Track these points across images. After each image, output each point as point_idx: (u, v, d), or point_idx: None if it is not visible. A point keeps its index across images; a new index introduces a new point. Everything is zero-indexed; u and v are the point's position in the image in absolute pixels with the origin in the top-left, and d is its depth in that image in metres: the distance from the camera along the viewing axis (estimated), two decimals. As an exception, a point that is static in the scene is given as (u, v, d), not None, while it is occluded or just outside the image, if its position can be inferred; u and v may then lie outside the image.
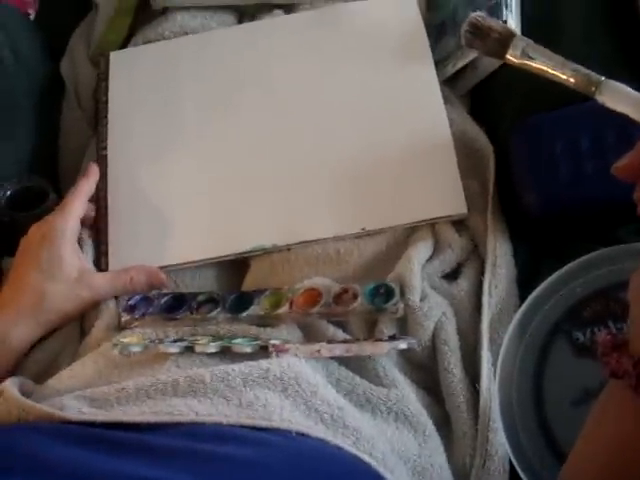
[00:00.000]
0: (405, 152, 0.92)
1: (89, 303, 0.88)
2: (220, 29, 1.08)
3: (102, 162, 0.99)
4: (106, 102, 1.04)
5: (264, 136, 0.97)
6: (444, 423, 0.80)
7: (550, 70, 0.64)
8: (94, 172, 0.96)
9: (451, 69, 0.96)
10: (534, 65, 0.64)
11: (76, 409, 0.71)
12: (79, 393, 0.74)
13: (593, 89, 0.61)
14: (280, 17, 1.07)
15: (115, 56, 1.08)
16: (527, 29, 0.94)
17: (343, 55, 1.01)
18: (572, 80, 0.62)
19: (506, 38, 0.67)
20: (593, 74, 0.62)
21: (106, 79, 1.06)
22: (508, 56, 0.65)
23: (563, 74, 0.63)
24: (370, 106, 0.96)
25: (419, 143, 0.92)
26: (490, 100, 0.97)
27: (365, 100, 0.97)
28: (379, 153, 0.93)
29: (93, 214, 0.95)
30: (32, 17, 1.28)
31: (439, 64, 0.97)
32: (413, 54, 0.98)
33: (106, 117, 1.03)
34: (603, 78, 0.61)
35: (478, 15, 0.71)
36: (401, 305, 0.82)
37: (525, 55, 0.65)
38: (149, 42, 1.09)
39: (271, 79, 1.01)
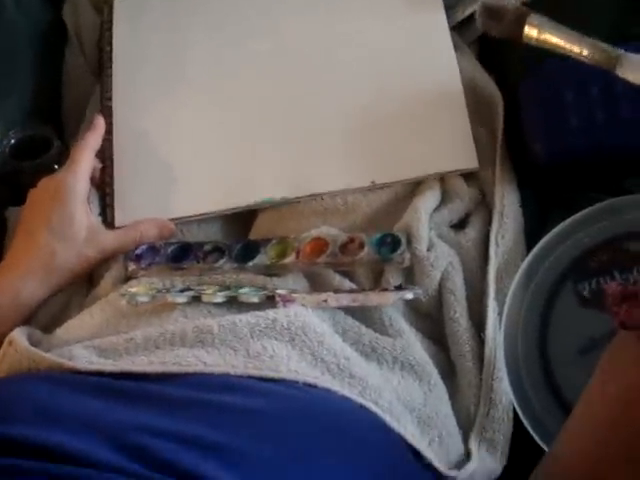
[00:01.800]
0: (415, 103, 0.91)
1: (98, 262, 0.88)
2: None
3: (107, 113, 0.97)
4: (110, 51, 1.02)
5: (273, 87, 0.96)
6: (449, 372, 0.81)
7: (568, 46, 0.63)
8: (100, 125, 0.95)
9: (460, 15, 0.94)
10: (551, 42, 0.63)
11: (85, 359, 0.71)
12: (88, 343, 0.75)
13: (613, 63, 0.60)
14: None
15: (119, 4, 1.06)
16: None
17: (353, 4, 0.99)
18: (590, 55, 0.61)
19: (521, 18, 0.66)
20: (612, 49, 0.61)
21: (110, 28, 1.04)
22: (525, 35, 0.64)
23: (581, 50, 0.62)
24: (380, 56, 0.95)
25: (430, 93, 0.90)
26: (499, 47, 0.95)
27: (375, 49, 0.95)
28: (389, 104, 0.92)
29: (100, 167, 0.94)
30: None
31: (448, 10, 0.96)
32: (423, 1, 0.96)
33: (110, 67, 1.01)
34: (622, 51, 0.60)
35: None
36: (407, 255, 0.81)
37: (542, 33, 0.64)
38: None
39: (280, 27, 0.99)
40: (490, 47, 0.98)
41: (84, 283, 0.90)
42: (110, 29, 1.04)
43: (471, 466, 0.73)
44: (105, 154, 0.95)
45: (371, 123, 0.91)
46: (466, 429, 0.78)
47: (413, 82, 0.92)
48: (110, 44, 1.03)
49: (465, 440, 0.77)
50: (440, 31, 0.94)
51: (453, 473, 0.71)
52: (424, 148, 0.89)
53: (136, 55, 1.02)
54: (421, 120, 0.90)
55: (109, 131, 0.96)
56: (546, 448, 0.74)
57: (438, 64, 0.93)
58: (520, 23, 0.67)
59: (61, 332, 0.81)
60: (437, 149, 0.89)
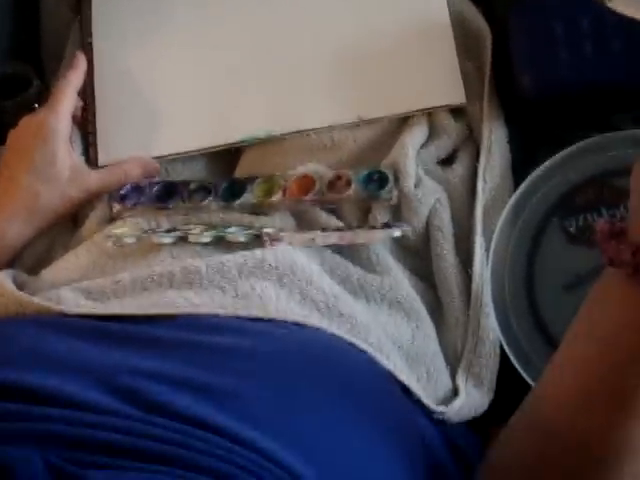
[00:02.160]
0: (402, 37, 0.89)
1: (82, 202, 0.87)
2: None
3: (87, 50, 0.95)
4: None
5: (257, 23, 0.94)
6: (437, 309, 0.81)
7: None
8: (82, 63, 0.93)
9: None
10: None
11: (73, 302, 0.71)
12: (75, 285, 0.74)
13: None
14: None
15: None
16: None
17: None
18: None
19: None
20: None
21: None
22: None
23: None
24: None
25: (416, 26, 0.89)
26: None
27: None
28: (375, 39, 0.90)
29: (81, 105, 0.93)
30: None
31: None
32: None
33: (90, 2, 0.98)
34: (614, -18, 0.59)
35: None
36: (395, 192, 0.81)
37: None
38: None
39: None
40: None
41: (68, 223, 0.89)
42: None
43: (458, 401, 0.74)
44: (87, 92, 0.93)
45: (357, 58, 0.90)
46: (453, 365, 0.78)
47: (400, 16, 0.91)
48: None
49: (452, 376, 0.78)
50: None
51: (441, 408, 0.72)
52: (411, 83, 0.88)
53: None
54: (408, 55, 0.89)
55: (90, 69, 0.94)
56: (532, 383, 0.75)
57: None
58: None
59: (47, 274, 0.81)
60: (424, 84, 0.88)
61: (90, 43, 0.96)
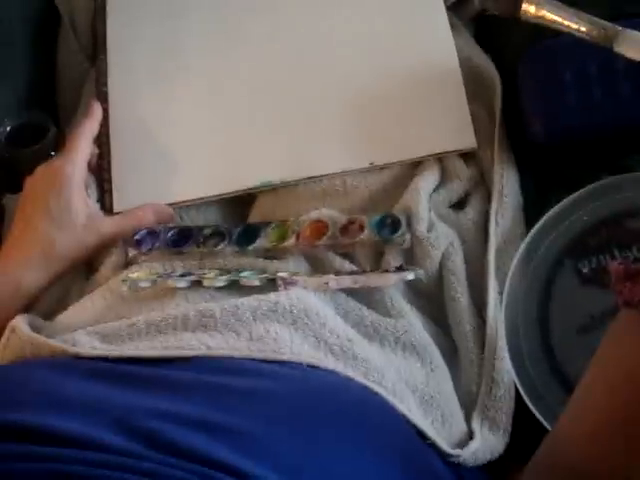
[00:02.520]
0: (413, 83, 0.91)
1: (98, 248, 0.88)
2: None
3: (102, 98, 0.97)
4: (104, 36, 1.01)
5: (269, 69, 0.95)
6: (451, 352, 0.81)
7: (565, 23, 0.63)
8: (97, 111, 0.94)
9: (456, -6, 0.94)
10: (549, 18, 0.63)
11: (88, 344, 0.71)
12: (90, 329, 0.75)
13: (610, 40, 0.60)
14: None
15: None
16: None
17: None
18: (588, 33, 0.61)
19: None
20: (609, 25, 0.61)
21: (104, 12, 1.03)
22: (522, 12, 0.64)
23: (578, 27, 0.62)
24: (376, 36, 0.95)
25: (427, 73, 0.90)
26: (496, 26, 0.95)
27: (371, 30, 0.95)
28: (386, 85, 0.91)
29: (97, 153, 0.94)
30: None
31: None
32: None
33: (105, 52, 1.00)
34: (619, 28, 0.60)
35: None
36: (408, 236, 0.82)
37: (539, 9, 0.63)
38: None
39: (276, 10, 0.98)
40: (487, 27, 0.98)
41: (84, 269, 0.89)
42: (104, 13, 1.03)
43: (474, 445, 0.73)
44: (102, 140, 0.94)
45: (368, 104, 0.91)
46: (468, 408, 0.78)
47: (410, 63, 0.92)
48: (104, 28, 1.02)
49: (467, 419, 0.77)
50: (436, 11, 0.94)
51: (456, 452, 0.72)
52: (422, 128, 0.89)
53: (131, 39, 1.01)
54: (419, 100, 0.90)
55: (105, 117, 0.95)
56: (547, 425, 0.75)
57: (435, 44, 0.93)
58: (517, 0, 0.67)
59: (62, 318, 0.81)
60: (435, 129, 0.89)
61: (105, 92, 0.97)
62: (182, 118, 0.95)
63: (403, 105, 0.90)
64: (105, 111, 0.96)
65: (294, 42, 0.96)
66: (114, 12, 1.03)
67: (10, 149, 0.97)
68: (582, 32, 0.61)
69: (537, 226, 0.81)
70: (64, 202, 0.86)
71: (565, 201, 0.81)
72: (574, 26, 0.63)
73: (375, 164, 0.88)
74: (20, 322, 0.76)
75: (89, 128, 0.92)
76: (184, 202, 0.91)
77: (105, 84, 0.98)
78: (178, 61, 0.98)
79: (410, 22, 0.94)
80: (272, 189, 0.90)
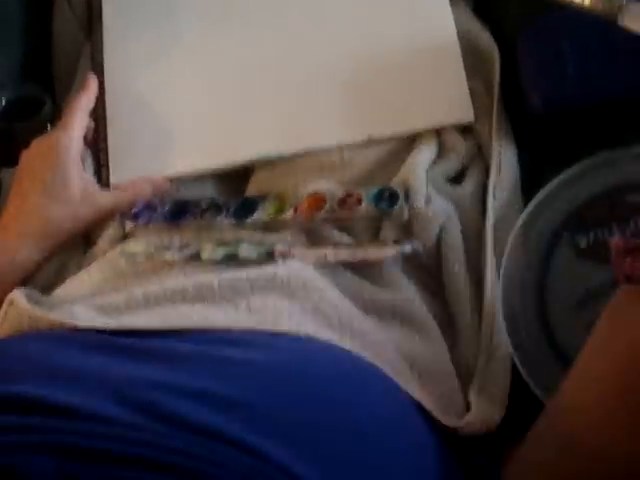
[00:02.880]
0: (411, 55, 0.90)
1: (94, 222, 0.88)
2: None
3: (98, 71, 0.96)
4: (100, 8, 1.00)
5: (266, 43, 0.95)
6: (448, 325, 0.81)
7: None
8: (93, 84, 0.94)
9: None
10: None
11: (86, 317, 0.72)
12: (88, 301, 0.75)
13: (615, 13, 0.60)
14: None
15: None
16: None
17: None
18: (593, 5, 0.61)
19: None
20: None
21: None
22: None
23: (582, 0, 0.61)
24: (374, 9, 0.94)
25: (424, 45, 0.90)
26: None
27: (368, 2, 0.95)
28: (384, 58, 0.91)
29: (93, 126, 0.93)
30: None
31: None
32: None
33: (101, 24, 0.99)
34: (625, 1, 0.60)
35: None
36: (406, 209, 0.81)
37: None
38: None
39: None
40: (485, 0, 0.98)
41: (81, 243, 0.89)
42: None
43: (471, 417, 0.74)
44: (98, 113, 0.94)
45: (366, 77, 0.91)
46: (465, 381, 0.78)
47: (408, 35, 0.92)
48: (99, 0, 1.01)
49: (465, 391, 0.77)
50: None
51: (453, 423, 0.72)
52: (420, 101, 0.89)
53: (126, 11, 1.00)
54: (417, 73, 0.90)
55: (101, 90, 0.95)
56: (544, 398, 0.75)
57: (433, 17, 0.92)
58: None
59: (60, 292, 0.81)
60: (433, 102, 0.89)
61: (101, 64, 0.97)
62: (178, 91, 0.95)
63: (401, 78, 0.90)
64: (101, 84, 0.95)
65: (290, 15, 0.96)
66: None
67: (6, 122, 0.97)
68: (586, 5, 0.61)
69: (535, 200, 0.81)
70: (60, 175, 0.85)
71: (562, 175, 0.81)
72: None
73: (373, 137, 0.88)
74: (18, 295, 0.76)
75: (85, 101, 0.92)
76: (181, 175, 0.91)
77: (101, 56, 0.97)
78: (174, 34, 0.98)
79: None
80: (269, 163, 0.90)
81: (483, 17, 0.95)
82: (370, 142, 0.88)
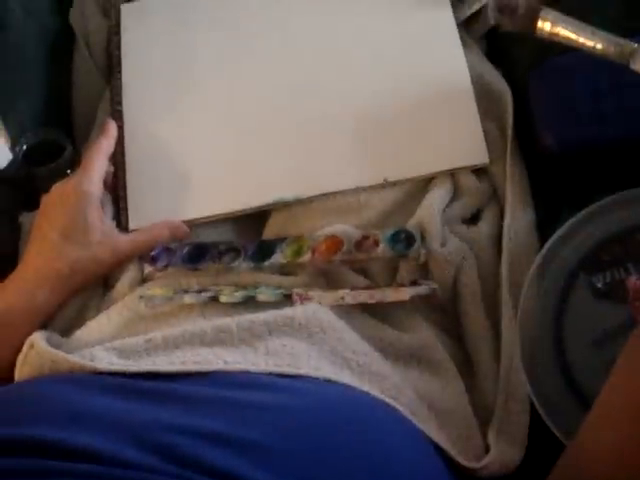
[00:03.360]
0: (425, 98, 0.91)
1: (114, 265, 0.88)
2: None
3: (117, 117, 0.98)
4: (119, 55, 1.02)
5: (282, 86, 0.96)
6: (466, 366, 0.82)
7: (581, 40, 0.63)
8: (113, 129, 0.95)
9: (467, 11, 0.95)
10: (564, 36, 0.64)
11: (106, 360, 0.72)
12: (108, 345, 0.75)
13: (626, 57, 0.61)
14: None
15: (126, 8, 1.06)
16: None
17: (357, 4, 0.99)
18: (604, 49, 0.61)
19: (533, 12, 0.66)
20: (626, 42, 0.61)
21: (117, 32, 1.04)
22: (538, 29, 0.65)
23: (594, 44, 0.62)
24: (388, 53, 0.95)
25: (438, 89, 0.91)
26: (507, 42, 0.96)
27: (383, 47, 0.96)
28: (398, 101, 0.92)
29: (112, 170, 0.94)
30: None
31: (455, 6, 0.96)
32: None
33: (119, 71, 1.01)
34: (636, 45, 0.60)
35: None
36: (422, 251, 0.82)
37: (554, 27, 0.64)
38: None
39: (288, 26, 1.00)
40: (497, 42, 0.99)
41: (100, 286, 0.90)
42: (118, 33, 1.04)
43: (490, 458, 0.74)
44: (117, 158, 0.95)
45: (381, 120, 0.92)
46: (484, 422, 0.78)
47: (422, 79, 0.93)
48: (118, 48, 1.03)
49: (484, 433, 0.77)
50: (447, 27, 0.95)
51: (472, 465, 0.72)
52: (434, 144, 0.90)
53: (144, 58, 1.02)
54: (431, 116, 0.91)
55: (120, 135, 0.96)
56: (563, 439, 0.75)
57: (446, 60, 0.94)
58: (532, 17, 0.68)
59: (80, 335, 0.81)
60: (447, 145, 0.89)
61: (120, 110, 0.98)
62: (196, 135, 0.96)
63: (416, 121, 0.91)
64: (120, 129, 0.97)
65: (306, 58, 0.97)
66: (128, 31, 1.04)
67: (27, 167, 0.98)
68: (598, 50, 0.62)
69: (551, 240, 0.81)
70: (80, 219, 0.86)
71: (578, 215, 0.81)
72: (590, 43, 0.63)
73: (389, 180, 0.88)
74: (38, 338, 0.77)
75: (105, 146, 0.93)
76: (199, 219, 0.91)
77: (120, 102, 0.99)
78: (192, 79, 0.99)
79: (422, 39, 0.95)
80: (286, 205, 0.91)
81: (495, 60, 0.96)
82: (386, 185, 0.88)
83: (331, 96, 0.94)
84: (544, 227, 0.86)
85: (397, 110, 0.92)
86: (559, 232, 0.81)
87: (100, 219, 0.88)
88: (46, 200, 0.90)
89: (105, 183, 0.91)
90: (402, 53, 0.95)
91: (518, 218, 0.85)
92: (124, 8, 1.06)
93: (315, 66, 0.97)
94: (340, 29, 0.98)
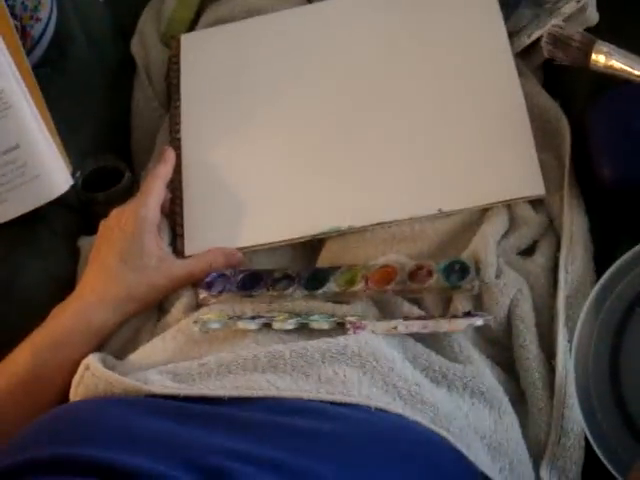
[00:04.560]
0: (481, 129, 0.91)
1: (169, 291, 0.89)
2: (289, 9, 1.07)
3: (176, 145, 0.99)
4: (178, 85, 1.04)
5: (338, 117, 0.97)
6: (519, 399, 0.81)
7: (635, 72, 0.63)
8: (171, 157, 0.97)
9: (526, 40, 0.94)
10: (619, 68, 0.64)
11: (160, 383, 0.73)
12: (162, 368, 0.76)
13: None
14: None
15: (186, 38, 1.08)
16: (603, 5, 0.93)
17: (415, 32, 1.00)
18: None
19: (587, 46, 0.66)
20: None
21: (177, 62, 1.06)
22: (592, 62, 0.65)
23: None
24: (444, 83, 0.96)
25: (494, 118, 0.91)
26: (564, 73, 0.95)
27: (439, 77, 0.96)
28: (454, 131, 0.92)
29: (169, 197, 0.96)
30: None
31: (513, 36, 0.96)
32: (486, 27, 0.97)
33: (179, 100, 1.03)
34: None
35: (557, 25, 0.71)
36: (477, 282, 0.82)
37: (609, 60, 0.64)
38: (219, 20, 1.09)
39: (343, 59, 1.00)
40: (554, 73, 0.98)
41: (155, 311, 0.91)
42: (178, 63, 1.06)
43: (543, 494, 0.73)
44: (175, 185, 0.97)
45: (436, 150, 0.92)
46: (537, 457, 0.77)
47: (478, 109, 0.93)
48: (178, 77, 1.05)
49: (536, 468, 0.76)
50: (504, 57, 0.95)
51: (525, 500, 0.71)
52: (490, 175, 0.89)
53: (204, 88, 1.03)
54: (487, 146, 0.91)
55: (178, 162, 0.98)
56: (618, 475, 0.73)
57: (503, 90, 0.93)
58: (587, 50, 0.68)
59: (134, 358, 0.82)
60: (503, 176, 0.89)
61: (179, 139, 1.00)
62: (252, 164, 0.97)
63: (471, 151, 0.91)
64: (178, 157, 0.98)
65: (360, 88, 0.98)
66: (187, 61, 1.06)
67: (86, 193, 1.00)
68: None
69: (607, 273, 0.80)
70: (137, 244, 0.88)
71: (636, 248, 0.80)
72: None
73: (443, 211, 0.88)
74: (94, 360, 0.78)
75: (163, 173, 0.94)
76: (253, 246, 0.92)
77: (178, 131, 1.01)
78: (249, 109, 1.00)
79: (478, 69, 0.95)
80: (340, 234, 0.91)
81: (553, 91, 0.95)
82: (441, 215, 0.88)
83: (387, 126, 0.95)
84: (601, 260, 0.85)
85: (452, 139, 0.92)
86: (616, 265, 0.80)
87: (157, 245, 0.89)
88: (105, 224, 0.92)
89: (162, 209, 0.93)
90: (458, 83, 0.95)
91: (574, 250, 0.84)
92: (184, 38, 1.08)
93: (370, 95, 0.97)
94: (397, 61, 0.99)
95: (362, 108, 0.97)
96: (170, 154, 0.97)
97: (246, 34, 1.06)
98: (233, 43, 1.06)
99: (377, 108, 0.96)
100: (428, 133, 0.93)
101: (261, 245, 0.92)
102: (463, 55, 0.97)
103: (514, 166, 0.89)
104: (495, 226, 0.86)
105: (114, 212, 0.92)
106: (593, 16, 0.92)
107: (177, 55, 1.07)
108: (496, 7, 0.98)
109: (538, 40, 0.95)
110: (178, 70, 1.06)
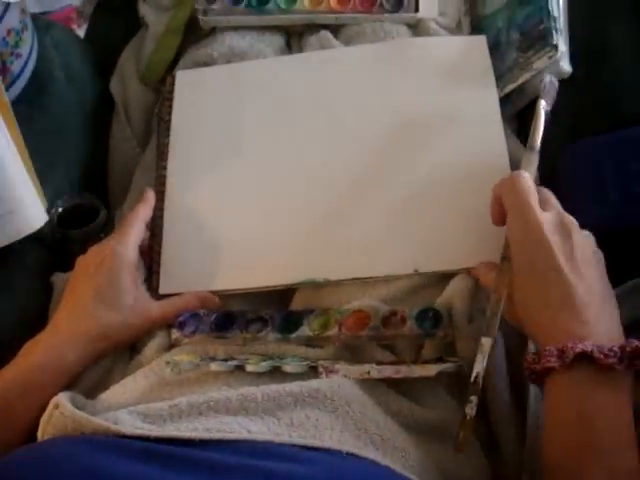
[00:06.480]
0: (464, 193, 0.90)
1: (143, 331, 0.89)
2: (287, 56, 1.07)
3: (160, 181, 0.99)
4: (169, 122, 1.03)
5: (322, 169, 0.96)
6: (491, 443, 0.81)
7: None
8: (151, 198, 0.97)
9: (499, 92, 0.96)
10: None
11: (130, 423, 0.72)
12: (132, 408, 0.75)
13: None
14: (343, 49, 1.05)
15: (181, 75, 1.07)
16: (575, 51, 0.95)
17: (404, 83, 1.00)
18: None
19: None
20: None
21: (171, 98, 1.05)
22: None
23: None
24: (429, 144, 0.94)
25: (479, 184, 0.87)
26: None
27: (424, 137, 0.95)
28: (437, 192, 0.91)
29: (149, 235, 0.96)
30: (82, 34, 1.30)
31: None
32: (478, 91, 0.97)
33: (168, 136, 1.02)
34: None
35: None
36: (450, 330, 0.82)
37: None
38: (198, 62, 1.08)
39: (332, 109, 1.00)
40: (527, 122, 0.99)
41: (127, 350, 0.90)
42: (171, 99, 1.05)
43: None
44: (156, 222, 0.97)
45: (416, 208, 0.91)
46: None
47: (462, 172, 0.91)
48: (169, 114, 1.04)
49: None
50: (493, 121, 0.94)
51: None
52: (470, 237, 0.88)
53: (193, 127, 1.03)
54: (468, 206, 0.89)
55: (161, 200, 0.98)
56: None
57: (489, 156, 0.92)
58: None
59: (104, 397, 0.82)
60: (482, 241, 0.86)
61: (164, 175, 1.00)
62: (233, 209, 0.96)
63: (452, 211, 0.90)
64: (161, 194, 0.98)
65: (345, 144, 0.97)
66: (180, 99, 1.05)
67: (61, 230, 1.00)
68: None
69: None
70: (114, 283, 0.88)
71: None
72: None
73: (419, 271, 0.87)
74: (63, 399, 0.77)
75: (142, 213, 0.94)
76: (227, 291, 0.92)
77: (164, 167, 1.00)
78: (234, 154, 1.00)
79: (466, 133, 0.94)
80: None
81: (525, 140, 0.96)
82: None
83: (367, 182, 0.94)
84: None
85: (434, 201, 0.91)
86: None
87: (134, 284, 0.89)
88: (82, 261, 0.91)
89: (141, 249, 0.93)
90: (444, 145, 0.94)
91: None
92: (179, 75, 1.07)
93: (355, 151, 0.96)
94: (383, 117, 0.98)
95: (346, 162, 0.96)
96: (150, 195, 0.97)
97: (240, 77, 1.05)
98: (227, 84, 1.05)
99: (361, 164, 0.95)
100: (410, 193, 0.92)
101: (236, 290, 0.92)
102: (450, 118, 0.96)
103: (494, 231, 0.85)
104: (469, 278, 0.85)
105: (92, 249, 0.92)
106: (566, 68, 0.94)
107: (171, 91, 1.06)
108: (490, 74, 0.97)
109: (512, 91, 0.96)
110: (170, 106, 1.05)
